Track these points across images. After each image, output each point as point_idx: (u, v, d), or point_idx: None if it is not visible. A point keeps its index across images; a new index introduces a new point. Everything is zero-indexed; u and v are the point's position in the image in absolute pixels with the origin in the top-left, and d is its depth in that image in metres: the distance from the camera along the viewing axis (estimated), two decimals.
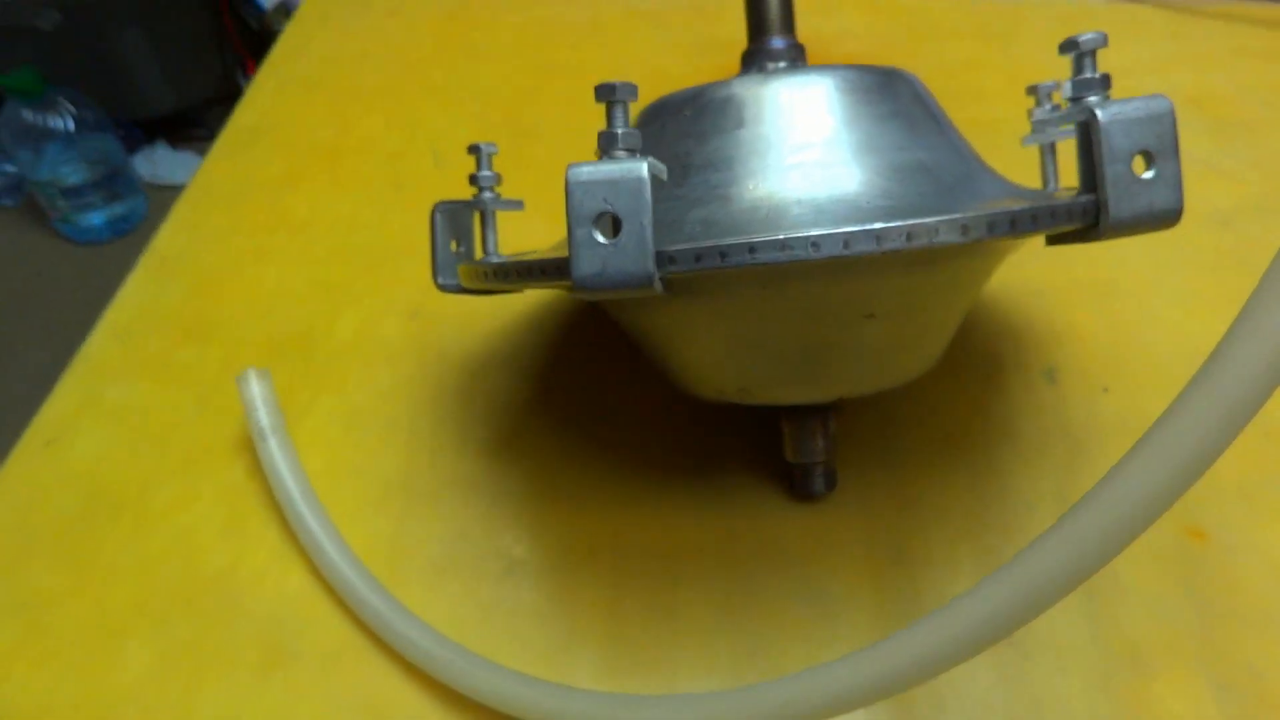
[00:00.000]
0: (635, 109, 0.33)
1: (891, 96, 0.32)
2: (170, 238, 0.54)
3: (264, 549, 0.39)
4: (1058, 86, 0.36)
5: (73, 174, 1.71)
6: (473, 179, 0.38)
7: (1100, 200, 0.25)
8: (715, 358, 0.33)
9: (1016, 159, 0.39)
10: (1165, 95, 0.25)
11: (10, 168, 1.81)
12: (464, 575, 0.38)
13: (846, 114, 0.31)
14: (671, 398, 0.43)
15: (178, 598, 0.38)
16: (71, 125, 1.63)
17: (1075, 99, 0.27)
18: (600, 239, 0.25)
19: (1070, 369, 0.45)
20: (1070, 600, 0.36)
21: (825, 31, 0.69)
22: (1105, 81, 0.26)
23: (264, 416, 0.40)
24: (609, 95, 0.26)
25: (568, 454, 0.42)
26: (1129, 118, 0.25)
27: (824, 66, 0.33)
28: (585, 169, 0.25)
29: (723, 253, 0.24)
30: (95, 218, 1.79)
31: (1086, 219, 0.26)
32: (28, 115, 1.59)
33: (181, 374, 0.46)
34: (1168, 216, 0.25)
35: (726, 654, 0.35)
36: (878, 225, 0.24)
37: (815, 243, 0.24)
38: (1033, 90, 0.36)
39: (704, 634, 0.35)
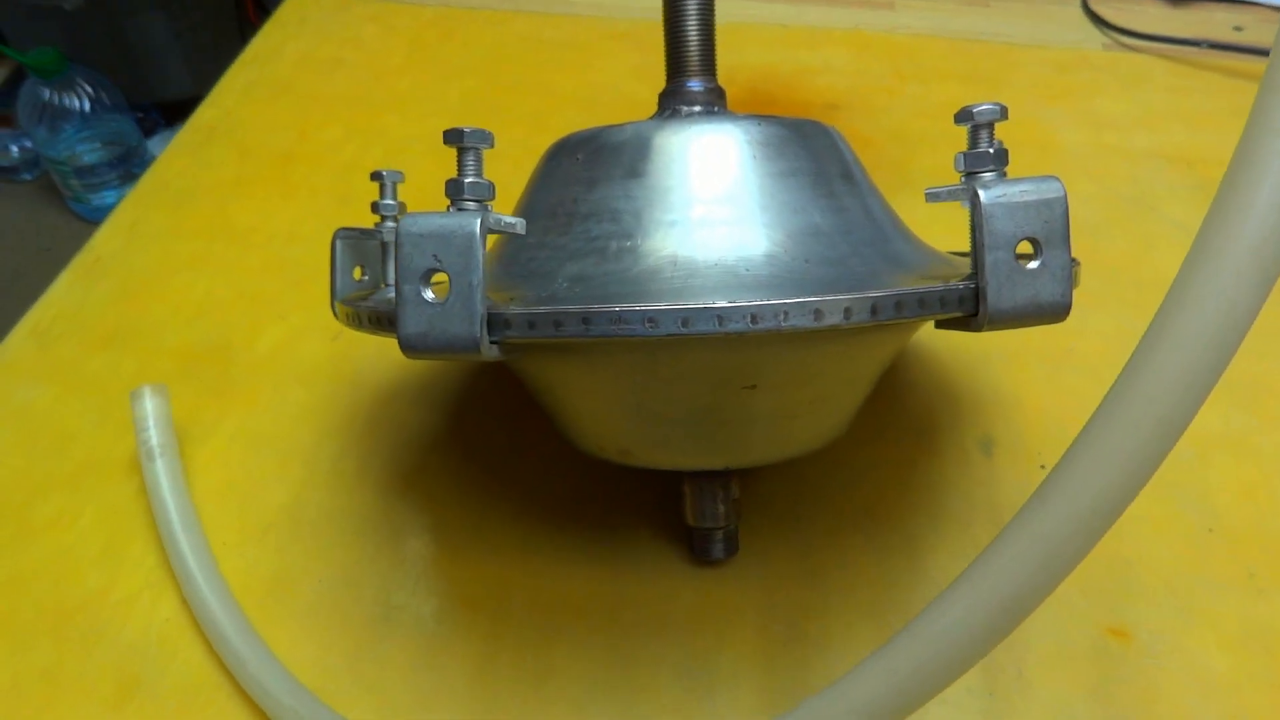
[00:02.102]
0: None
1: (802, 152, 0.30)
2: (108, 237, 0.53)
3: (140, 575, 0.38)
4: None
5: (88, 153, 1.72)
6: (375, 207, 0.36)
7: (980, 288, 0.23)
8: (593, 416, 0.31)
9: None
10: (1058, 179, 0.23)
11: (28, 143, 1.83)
12: (338, 619, 0.36)
13: (745, 169, 0.29)
14: None
15: (43, 620, 0.37)
16: (88, 106, 1.64)
17: (968, 174, 0.25)
18: (428, 297, 0.23)
19: (1008, 441, 0.42)
20: (969, 699, 0.34)
21: (809, 64, 0.67)
22: (1000, 157, 0.24)
23: (154, 436, 0.39)
24: (457, 141, 0.24)
25: (466, 496, 0.40)
26: (1014, 201, 0.23)
27: (735, 115, 0.32)
28: (419, 219, 0.23)
29: (557, 321, 0.22)
30: (108, 197, 1.79)
31: (965, 307, 0.23)
32: (45, 93, 1.61)
33: (91, 382, 0.45)
34: (1054, 311, 0.23)
35: None
36: (720, 304, 0.22)
37: (652, 318, 0.22)
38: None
39: (572, 705, 0.33)
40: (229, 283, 0.50)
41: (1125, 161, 0.58)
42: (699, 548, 0.37)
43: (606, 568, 0.38)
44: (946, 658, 0.18)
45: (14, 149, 1.91)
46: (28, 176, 1.95)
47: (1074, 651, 0.35)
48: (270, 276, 0.51)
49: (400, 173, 0.36)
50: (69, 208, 1.84)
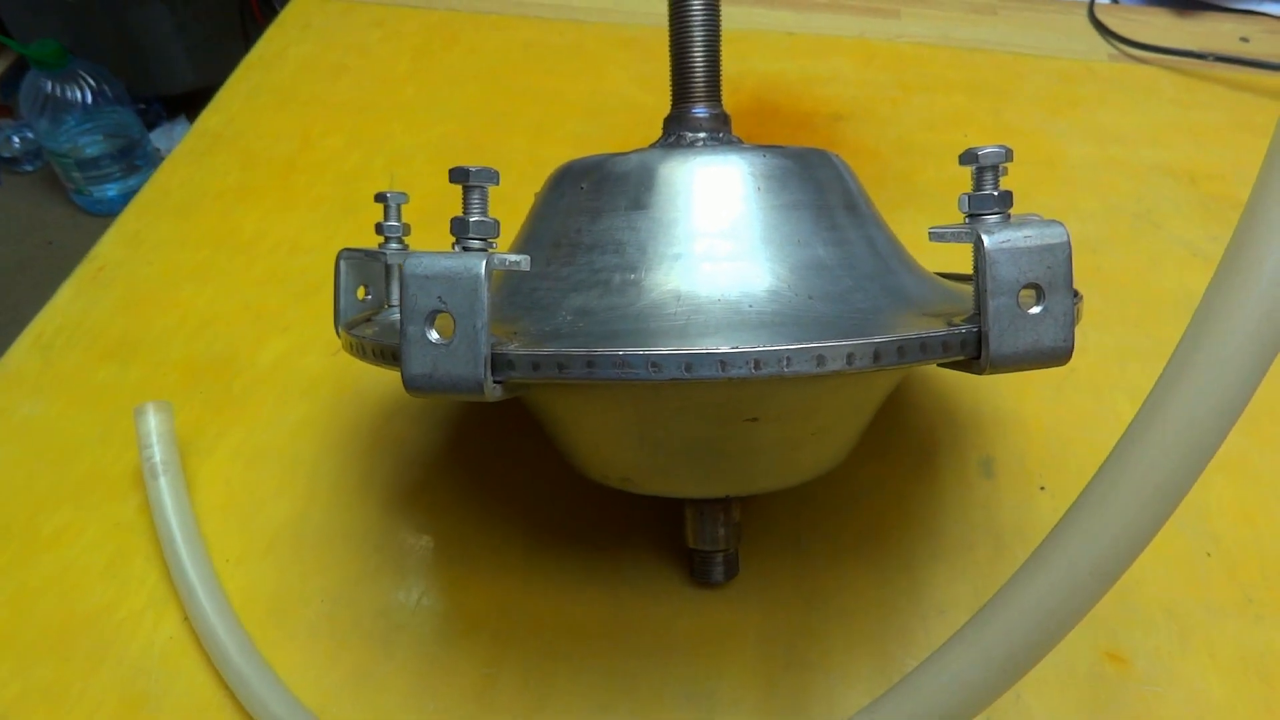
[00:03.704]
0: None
1: (806, 184, 0.30)
2: (111, 246, 0.53)
3: (144, 592, 0.38)
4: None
5: (90, 145, 1.72)
6: (379, 228, 0.36)
7: (982, 333, 0.23)
8: (595, 445, 0.31)
9: None
10: (1062, 224, 0.23)
11: (29, 134, 1.83)
12: (340, 638, 0.36)
13: (749, 203, 0.29)
14: None
15: (48, 635, 0.37)
16: (90, 98, 1.64)
17: (971, 216, 0.25)
18: (433, 338, 0.23)
19: (1008, 462, 0.43)
20: None
21: (815, 73, 0.67)
22: (1004, 200, 0.24)
23: (157, 453, 0.39)
24: (463, 179, 0.24)
25: (468, 514, 0.40)
26: (1018, 247, 0.23)
27: (739, 145, 0.32)
28: (424, 260, 0.23)
29: (560, 364, 0.22)
30: (110, 190, 1.79)
31: (967, 351, 0.23)
32: (47, 86, 1.60)
33: (97, 395, 0.45)
34: (1055, 356, 0.23)
35: None
36: (723, 350, 0.22)
37: (655, 363, 0.22)
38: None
39: None
40: (233, 294, 0.50)
41: (1130, 177, 0.58)
42: (699, 570, 0.37)
43: (607, 589, 0.38)
44: (947, 711, 0.19)
45: (15, 140, 1.91)
46: (29, 168, 1.95)
47: (1071, 677, 0.35)
48: (274, 288, 0.51)
49: (404, 194, 0.36)
50: (71, 200, 1.84)
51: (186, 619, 0.37)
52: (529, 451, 0.42)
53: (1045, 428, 0.44)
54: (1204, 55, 0.67)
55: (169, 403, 0.40)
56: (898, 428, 0.43)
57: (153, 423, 0.39)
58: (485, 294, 0.22)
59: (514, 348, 0.23)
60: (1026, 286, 0.23)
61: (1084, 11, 0.74)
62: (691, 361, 0.22)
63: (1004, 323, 0.23)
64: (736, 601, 0.37)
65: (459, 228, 0.24)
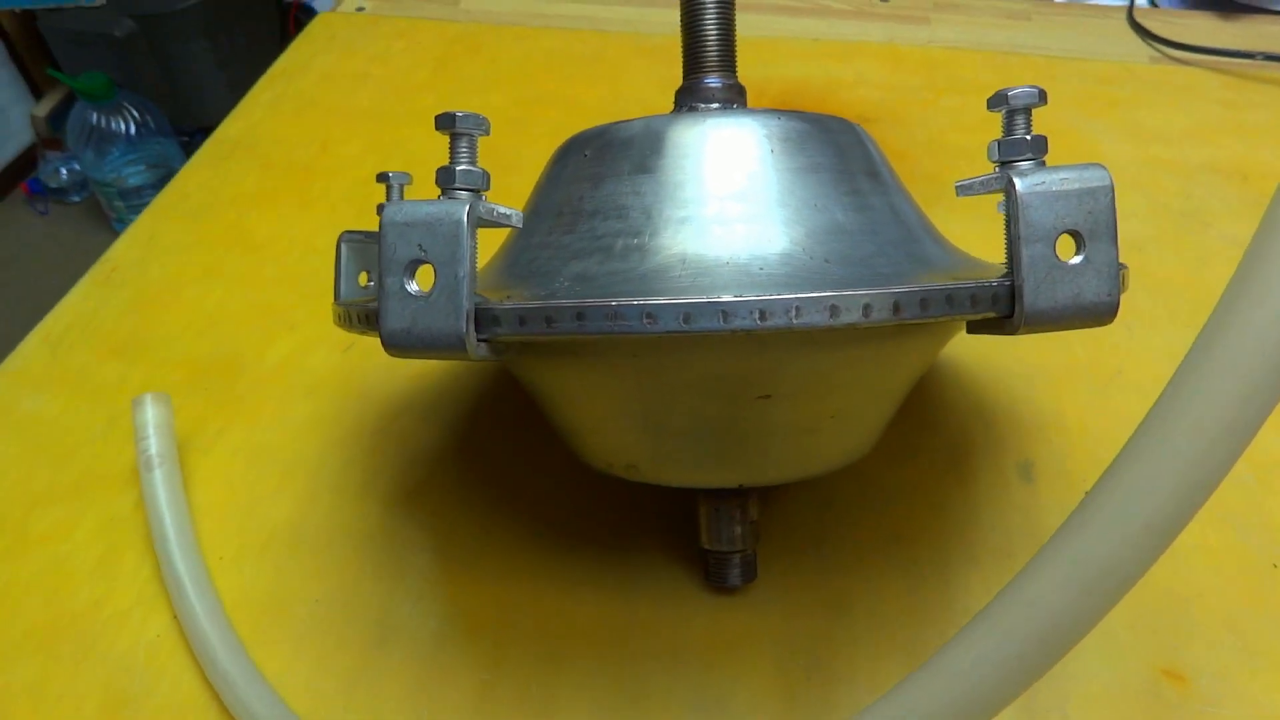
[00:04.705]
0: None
1: (824, 148, 0.28)
2: (126, 247, 0.53)
3: (134, 589, 0.36)
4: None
5: (133, 176, 1.76)
6: (380, 210, 0.35)
7: (1015, 286, 0.21)
8: (596, 427, 0.29)
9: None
10: (1103, 166, 0.21)
11: (77, 165, 1.88)
12: (334, 641, 0.34)
13: (763, 164, 0.27)
14: None
15: (34, 634, 0.35)
16: (134, 129, 1.68)
17: (1002, 163, 0.22)
18: (412, 290, 0.21)
19: (1050, 465, 0.40)
20: None
21: (842, 77, 0.65)
22: (1038, 144, 0.22)
23: (153, 444, 0.38)
24: (449, 125, 0.23)
25: (471, 513, 0.38)
26: (1053, 190, 0.21)
27: (752, 110, 0.30)
28: (404, 207, 0.21)
29: (549, 317, 0.21)
30: None
31: (998, 307, 0.21)
32: (93, 117, 1.65)
33: (100, 391, 0.44)
34: (1098, 312, 0.21)
35: None
36: (725, 299, 0.20)
37: (650, 314, 0.20)
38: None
39: None
40: (242, 294, 0.50)
41: (1175, 175, 0.55)
42: (714, 573, 0.34)
43: (616, 592, 0.35)
44: (973, 697, 0.16)
45: (63, 171, 1.97)
46: (76, 198, 2.00)
47: (1124, 694, 0.32)
48: (284, 288, 0.50)
49: (407, 174, 0.35)
50: (113, 229, 1.88)
51: (175, 617, 0.35)
52: (537, 449, 0.40)
53: (1089, 430, 0.41)
54: (1252, 55, 0.64)
55: (167, 395, 0.39)
56: (928, 428, 0.41)
57: (150, 414, 0.38)
58: (468, 241, 0.21)
59: (499, 303, 0.21)
60: (1064, 235, 0.21)
61: (1122, 15, 0.72)
62: (690, 312, 0.20)
63: (1040, 274, 0.21)
64: (754, 607, 0.35)
65: (444, 177, 0.23)
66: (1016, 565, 0.36)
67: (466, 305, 0.21)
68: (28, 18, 1.90)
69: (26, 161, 2.06)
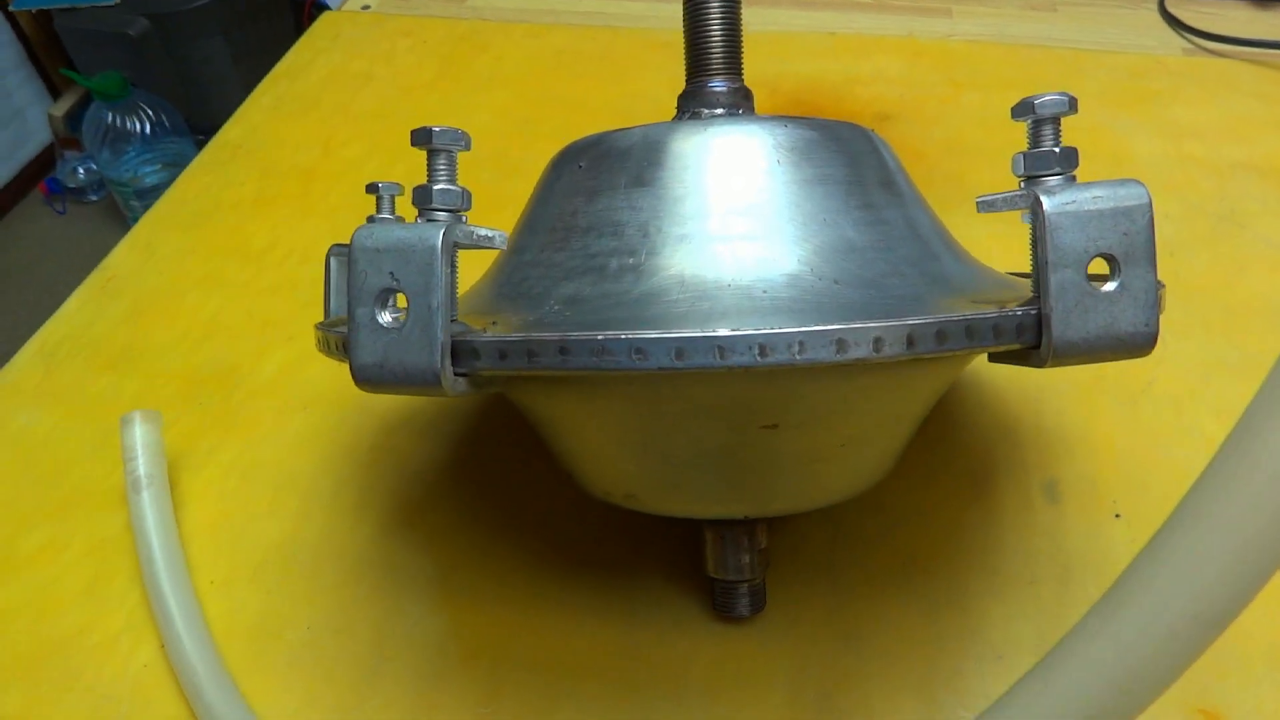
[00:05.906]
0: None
1: (835, 157, 0.27)
2: (124, 255, 0.52)
3: (121, 614, 0.35)
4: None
5: (149, 175, 1.76)
6: (370, 222, 0.34)
7: (1043, 315, 0.19)
8: (594, 455, 0.28)
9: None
10: (1141, 183, 0.19)
11: (94, 165, 1.88)
12: (325, 670, 0.33)
13: (770, 176, 0.26)
14: None
15: (19, 662, 0.34)
16: (149, 129, 1.68)
17: (1028, 179, 0.21)
18: (384, 321, 0.20)
19: (1076, 486, 0.38)
20: None
21: (859, 73, 0.63)
22: (1068, 158, 0.20)
23: (141, 465, 0.37)
24: (426, 142, 0.21)
25: (470, 537, 0.37)
26: (1085, 210, 0.19)
27: (758, 116, 0.28)
28: (375, 231, 0.20)
29: (530, 351, 0.19)
30: None
31: (1024, 338, 0.19)
32: (109, 117, 1.65)
33: (93, 405, 0.43)
34: (1134, 343, 0.19)
35: None
36: (721, 333, 0.18)
37: (640, 349, 0.18)
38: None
39: None
40: (239, 304, 0.48)
41: (1211, 174, 0.53)
42: (721, 602, 0.33)
43: (619, 621, 0.34)
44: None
45: (81, 171, 1.97)
46: (94, 198, 2.01)
47: None
48: (282, 297, 0.48)
49: (398, 185, 0.33)
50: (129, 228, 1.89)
51: (163, 645, 0.34)
52: (539, 468, 0.39)
53: (1119, 448, 0.39)
54: None
55: (157, 412, 0.38)
56: (947, 446, 0.39)
57: (138, 433, 0.37)
58: (443, 269, 0.19)
59: (479, 335, 0.20)
60: (1097, 258, 0.19)
61: (1153, 6, 0.69)
62: (683, 347, 0.18)
63: (1069, 301, 0.19)
64: (763, 638, 0.33)
65: (421, 196, 0.21)
66: (1041, 593, 0.34)
67: (441, 337, 0.19)
68: (45, 18, 1.90)
69: (44, 161, 2.07)
